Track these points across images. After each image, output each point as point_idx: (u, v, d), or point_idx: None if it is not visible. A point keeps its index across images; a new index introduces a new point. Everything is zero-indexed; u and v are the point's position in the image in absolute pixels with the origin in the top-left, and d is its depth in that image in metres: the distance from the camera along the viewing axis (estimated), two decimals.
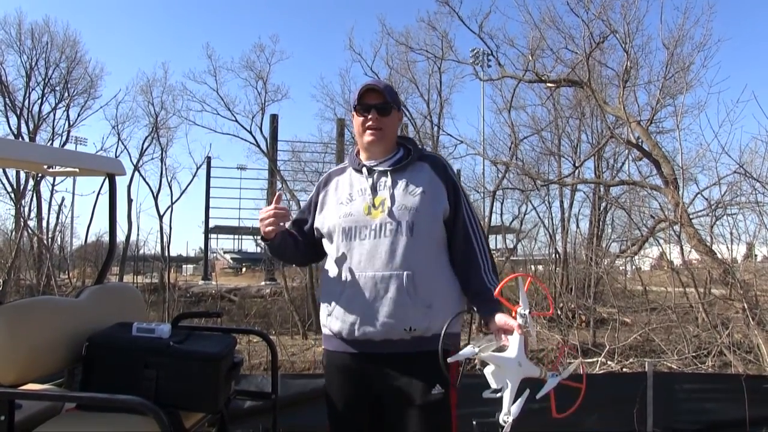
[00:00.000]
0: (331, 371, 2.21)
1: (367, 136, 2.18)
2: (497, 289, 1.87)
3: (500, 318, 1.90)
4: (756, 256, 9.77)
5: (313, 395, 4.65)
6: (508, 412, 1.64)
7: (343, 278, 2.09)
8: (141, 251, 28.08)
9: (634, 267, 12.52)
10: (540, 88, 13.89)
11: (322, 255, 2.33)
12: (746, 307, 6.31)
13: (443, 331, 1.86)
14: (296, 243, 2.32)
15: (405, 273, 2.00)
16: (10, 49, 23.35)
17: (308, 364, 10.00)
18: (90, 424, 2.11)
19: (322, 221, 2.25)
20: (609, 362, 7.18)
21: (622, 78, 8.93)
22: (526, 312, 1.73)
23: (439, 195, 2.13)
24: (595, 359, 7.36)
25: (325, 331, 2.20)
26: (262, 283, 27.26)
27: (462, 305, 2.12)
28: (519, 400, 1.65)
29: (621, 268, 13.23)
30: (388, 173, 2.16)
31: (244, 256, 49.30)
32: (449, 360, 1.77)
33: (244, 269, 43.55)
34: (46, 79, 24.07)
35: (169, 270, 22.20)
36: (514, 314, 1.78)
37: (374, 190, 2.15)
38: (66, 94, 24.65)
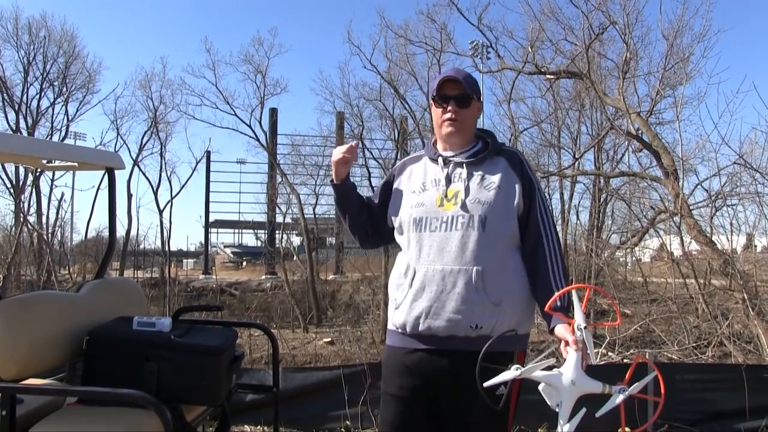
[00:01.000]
0: (389, 368, 2.14)
1: (446, 128, 2.13)
2: (549, 303, 1.81)
3: (559, 330, 1.83)
4: (756, 246, 9.78)
5: (314, 388, 4.67)
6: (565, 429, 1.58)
7: (412, 270, 2.05)
8: (141, 246, 28.20)
9: (634, 258, 12.52)
10: (539, 79, 13.84)
11: (378, 241, 2.34)
12: (746, 297, 6.31)
13: (482, 352, 1.73)
14: (362, 206, 2.28)
15: (474, 268, 1.95)
16: (7, 44, 23.40)
17: (309, 357, 10.02)
18: (91, 418, 2.11)
19: (395, 209, 2.21)
20: (610, 353, 7.19)
21: (621, 69, 8.90)
22: (582, 326, 1.68)
23: (514, 191, 2.06)
24: (595, 350, 7.35)
25: (389, 326, 2.16)
26: (263, 276, 27.33)
27: (531, 305, 2.07)
28: (574, 418, 1.58)
29: (621, 259, 13.24)
30: (464, 165, 2.11)
31: (245, 250, 49.33)
32: (487, 384, 1.67)
33: (244, 263, 43.58)
34: (44, 74, 24.11)
35: (169, 264, 22.25)
36: (572, 327, 1.73)
37: (449, 181, 2.10)
38: (64, 89, 24.71)
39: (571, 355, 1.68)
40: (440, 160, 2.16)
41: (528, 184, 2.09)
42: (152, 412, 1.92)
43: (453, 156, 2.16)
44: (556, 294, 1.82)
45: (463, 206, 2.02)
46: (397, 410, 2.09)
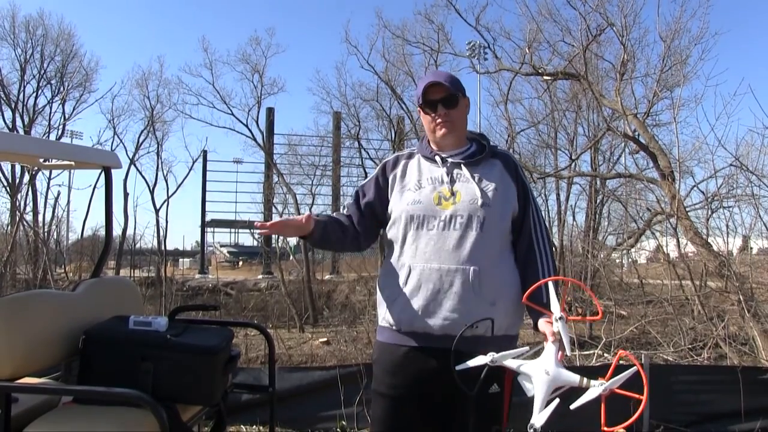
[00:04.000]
0: (381, 364, 2.14)
1: (439, 131, 2.14)
2: (525, 295, 1.83)
3: (540, 324, 1.85)
4: (752, 248, 9.79)
5: (310, 388, 4.67)
6: (533, 422, 1.55)
7: (407, 268, 2.06)
8: (137, 245, 28.11)
9: (630, 260, 12.57)
10: (537, 80, 13.84)
11: (371, 239, 2.31)
12: (742, 299, 6.33)
13: (458, 335, 1.79)
14: (344, 231, 2.23)
15: (471, 268, 1.97)
16: (3, 42, 23.28)
17: (305, 357, 10.03)
18: (87, 417, 2.10)
19: (393, 204, 2.19)
20: (606, 354, 7.20)
21: (618, 71, 8.92)
22: (558, 318, 1.68)
23: (510, 194, 2.10)
24: (591, 351, 7.38)
25: (381, 322, 2.16)
26: (259, 276, 27.32)
27: (522, 307, 2.07)
28: (546, 409, 1.55)
29: (617, 260, 13.27)
30: (462, 165, 2.13)
31: (241, 250, 49.29)
32: (458, 368, 1.71)
33: (240, 263, 43.58)
34: (41, 73, 23.98)
35: (165, 264, 22.20)
36: (550, 320, 1.72)
37: (448, 180, 2.11)
38: (61, 88, 24.57)
39: (548, 347, 1.68)
40: (438, 159, 2.16)
41: (523, 188, 2.14)
42: (148, 412, 1.91)
43: (449, 156, 2.16)
44: (534, 285, 1.83)
45: (462, 206, 2.03)
46: (388, 408, 2.09)
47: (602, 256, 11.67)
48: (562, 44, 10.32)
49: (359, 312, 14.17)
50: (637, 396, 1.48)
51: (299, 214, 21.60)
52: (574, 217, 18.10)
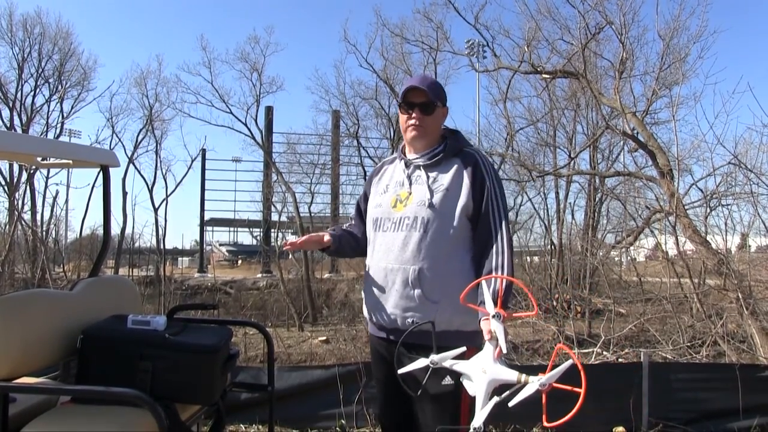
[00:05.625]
0: (371, 354, 2.36)
1: (410, 133, 2.23)
2: (462, 295, 1.82)
3: (481, 322, 1.84)
4: (750, 246, 9.80)
5: (309, 387, 4.66)
6: (473, 423, 1.53)
7: (368, 268, 2.26)
8: (136, 244, 28.09)
9: (629, 258, 12.57)
10: (536, 79, 13.87)
11: None
12: (740, 297, 6.33)
13: (399, 341, 1.92)
14: (357, 241, 2.43)
15: (412, 267, 2.07)
16: (1, 40, 23.30)
17: (304, 355, 10.03)
18: (85, 417, 2.10)
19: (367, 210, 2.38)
20: (605, 352, 7.20)
21: (617, 69, 8.92)
22: (492, 315, 1.67)
23: (462, 192, 2.11)
24: (590, 350, 7.39)
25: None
26: (258, 275, 27.31)
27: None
28: (485, 408, 1.54)
29: (616, 258, 13.27)
30: (421, 168, 2.21)
31: (240, 249, 49.28)
32: (399, 372, 1.78)
33: (239, 261, 43.53)
34: (39, 71, 23.99)
35: (164, 263, 22.20)
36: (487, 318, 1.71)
37: (406, 183, 2.22)
38: (59, 86, 24.59)
39: (486, 345, 1.68)
40: (403, 162, 2.29)
41: (479, 185, 2.13)
42: (146, 411, 1.91)
43: (416, 159, 2.25)
44: (469, 286, 1.84)
45: (411, 208, 2.14)
46: (381, 394, 2.32)
47: (601, 254, 11.67)
48: (561, 42, 10.34)
49: (358, 310, 14.14)
50: (576, 390, 1.42)
51: (298, 212, 21.59)
52: (573, 215, 18.15)
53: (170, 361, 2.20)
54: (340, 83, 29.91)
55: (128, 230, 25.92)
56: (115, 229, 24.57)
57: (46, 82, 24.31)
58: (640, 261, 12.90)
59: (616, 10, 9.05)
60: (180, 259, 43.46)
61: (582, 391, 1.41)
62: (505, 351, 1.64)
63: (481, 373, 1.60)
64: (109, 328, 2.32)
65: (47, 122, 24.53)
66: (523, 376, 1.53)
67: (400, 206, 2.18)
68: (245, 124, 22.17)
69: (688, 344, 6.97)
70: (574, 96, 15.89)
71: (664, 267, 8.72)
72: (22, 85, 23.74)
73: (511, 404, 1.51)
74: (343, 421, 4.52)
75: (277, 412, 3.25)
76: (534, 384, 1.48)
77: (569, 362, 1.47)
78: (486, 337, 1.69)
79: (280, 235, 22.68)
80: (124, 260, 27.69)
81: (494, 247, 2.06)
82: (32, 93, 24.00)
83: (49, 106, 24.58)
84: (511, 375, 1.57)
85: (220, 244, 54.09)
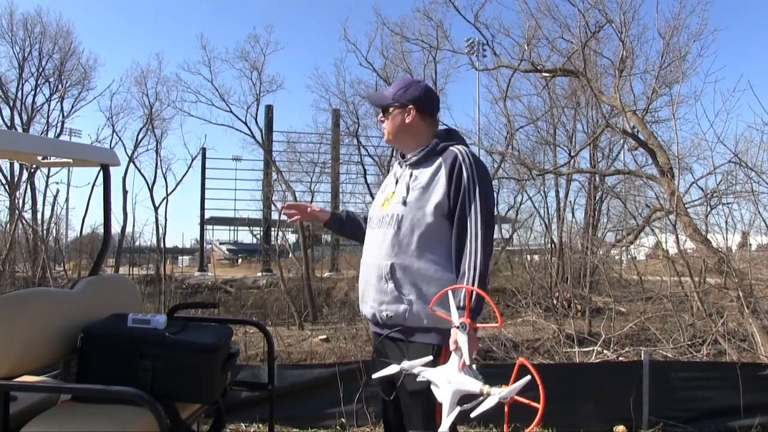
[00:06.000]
0: (373, 350, 2.40)
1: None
2: (431, 302, 1.85)
3: (451, 331, 1.83)
4: (751, 245, 9.80)
5: (310, 386, 4.67)
6: (441, 427, 1.57)
7: (360, 263, 2.36)
8: (136, 243, 28.08)
9: (629, 256, 12.56)
10: (536, 77, 13.87)
11: None
12: (741, 295, 6.32)
13: (377, 342, 2.06)
14: (362, 229, 2.50)
15: (385, 263, 2.14)
16: (1, 39, 23.22)
17: (304, 354, 10.02)
18: (85, 415, 2.10)
19: None
20: (605, 351, 7.20)
21: (617, 67, 8.90)
22: (457, 326, 1.70)
23: (437, 190, 2.13)
24: (591, 348, 7.39)
25: None
26: (258, 274, 27.28)
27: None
28: (449, 417, 1.56)
29: (617, 257, 13.26)
30: (408, 167, 2.28)
31: (240, 247, 49.21)
32: (374, 376, 1.87)
33: (240, 260, 43.49)
34: (40, 71, 23.92)
35: (164, 261, 22.18)
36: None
37: (393, 183, 2.32)
38: (60, 86, 24.51)
39: (452, 356, 1.71)
40: (396, 162, 2.40)
41: (456, 183, 2.11)
42: (146, 410, 1.91)
43: (406, 158, 2.32)
44: (437, 295, 1.85)
45: (391, 206, 2.22)
46: (381, 387, 2.29)
47: (601, 252, 11.66)
48: (560, 41, 10.32)
49: (359, 309, 14.16)
50: (534, 405, 1.44)
51: None
52: (573, 213, 18.13)
53: (170, 360, 2.20)
54: (340, 82, 29.96)
55: (128, 229, 25.94)
56: (116, 228, 24.57)
57: (46, 82, 24.27)
58: (641, 259, 12.89)
59: (616, 8, 9.03)
60: (180, 257, 43.42)
61: (540, 407, 1.43)
62: (468, 363, 1.66)
63: (446, 383, 1.64)
64: (109, 326, 2.32)
65: (47, 121, 24.49)
66: (486, 388, 1.57)
67: (387, 204, 2.26)
68: (245, 123, 22.13)
69: (689, 343, 6.97)
70: (574, 94, 15.88)
71: (665, 265, 8.72)
72: (23, 85, 23.71)
73: (473, 415, 1.55)
74: (343, 420, 4.52)
75: (278, 410, 3.25)
76: (495, 397, 1.52)
77: (528, 377, 1.48)
78: (451, 347, 1.72)
79: (280, 233, 22.64)
80: (125, 259, 27.69)
81: (467, 247, 2.05)
82: (33, 92, 23.97)
83: (49, 105, 24.55)
84: (474, 386, 1.60)
85: (221, 243, 54.04)
